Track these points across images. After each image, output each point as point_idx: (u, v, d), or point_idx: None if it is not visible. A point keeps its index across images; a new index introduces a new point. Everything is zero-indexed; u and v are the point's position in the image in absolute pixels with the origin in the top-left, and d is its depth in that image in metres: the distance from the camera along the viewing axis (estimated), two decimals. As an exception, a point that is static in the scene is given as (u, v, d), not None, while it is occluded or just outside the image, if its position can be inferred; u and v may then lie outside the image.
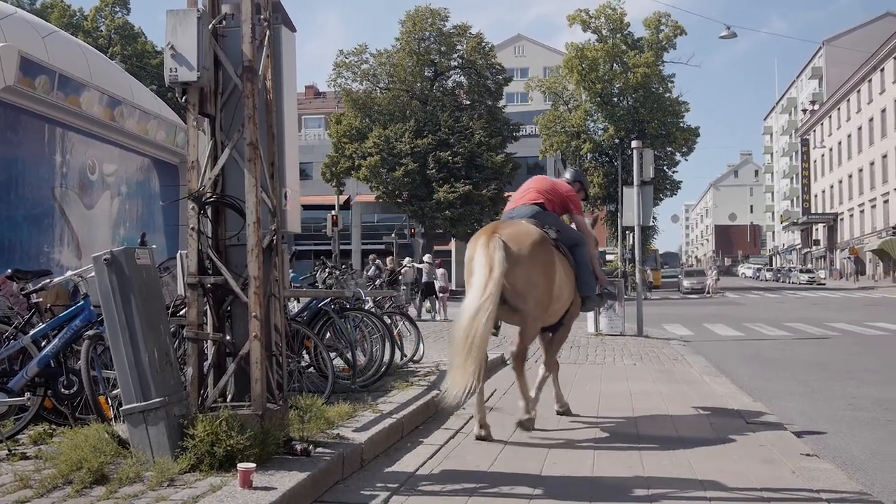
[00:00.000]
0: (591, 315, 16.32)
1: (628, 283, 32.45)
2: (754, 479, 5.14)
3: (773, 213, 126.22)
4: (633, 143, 17.22)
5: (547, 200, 7.23)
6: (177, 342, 6.19)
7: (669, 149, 56.47)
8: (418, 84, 45.26)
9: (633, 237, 17.89)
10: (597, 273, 7.51)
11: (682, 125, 56.29)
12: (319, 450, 5.22)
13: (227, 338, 5.44)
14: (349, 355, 8.28)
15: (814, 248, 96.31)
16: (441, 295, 24.55)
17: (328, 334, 8.45)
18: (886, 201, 68.63)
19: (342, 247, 45.63)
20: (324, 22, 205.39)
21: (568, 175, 8.07)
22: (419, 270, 24.78)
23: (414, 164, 41.56)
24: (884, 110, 68.61)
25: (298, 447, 5.06)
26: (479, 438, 6.33)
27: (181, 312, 6.47)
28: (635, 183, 16.73)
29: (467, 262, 6.49)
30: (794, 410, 8.30)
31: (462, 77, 46.76)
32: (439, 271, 24.88)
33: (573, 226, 7.59)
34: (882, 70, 69.34)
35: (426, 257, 26.56)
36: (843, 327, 19.74)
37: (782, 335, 17.84)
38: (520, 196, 7.44)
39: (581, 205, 7.72)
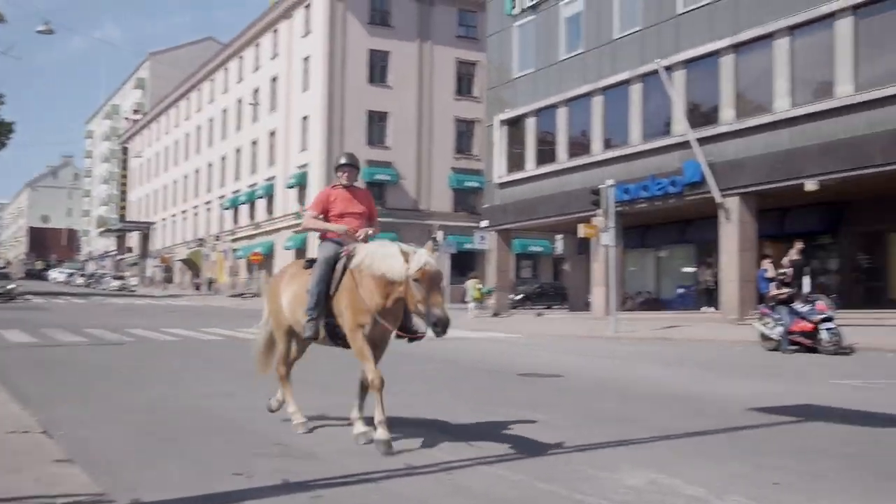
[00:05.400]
0: None
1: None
2: (-6, 490, 4.90)
3: (91, 217, 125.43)
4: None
5: None
6: None
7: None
8: None
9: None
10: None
11: (-6, 117, 52.82)
12: None
13: None
14: None
15: (128, 255, 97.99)
16: None
17: None
18: (196, 214, 73.20)
19: None
20: None
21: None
22: None
23: None
24: (199, 127, 73.13)
25: None
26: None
27: None
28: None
29: None
30: (67, 416, 8.09)
31: None
32: None
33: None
34: (200, 90, 73.83)
35: None
36: (140, 333, 20.24)
37: (79, 341, 17.60)
38: None
39: (317, 202, 7.40)
